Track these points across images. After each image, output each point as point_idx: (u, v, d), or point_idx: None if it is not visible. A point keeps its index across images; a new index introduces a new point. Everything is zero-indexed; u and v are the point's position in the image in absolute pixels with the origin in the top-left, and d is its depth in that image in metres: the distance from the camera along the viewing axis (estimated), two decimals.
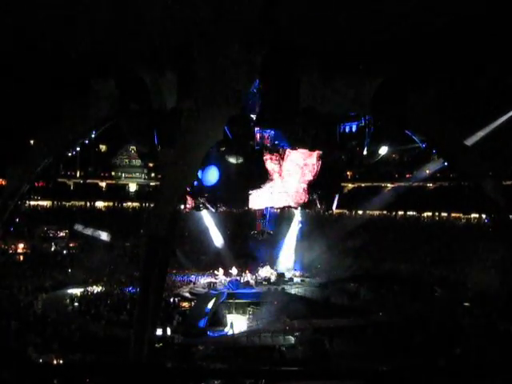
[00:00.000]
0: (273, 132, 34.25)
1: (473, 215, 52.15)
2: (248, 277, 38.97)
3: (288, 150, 32.35)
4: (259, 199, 33.74)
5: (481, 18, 24.17)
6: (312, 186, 33.38)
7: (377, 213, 56.82)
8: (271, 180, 32.66)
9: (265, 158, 31.98)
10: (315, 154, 31.99)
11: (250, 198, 33.74)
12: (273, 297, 33.66)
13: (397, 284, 36.67)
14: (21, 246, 45.88)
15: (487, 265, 36.69)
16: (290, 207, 37.38)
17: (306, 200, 33.73)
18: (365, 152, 31.43)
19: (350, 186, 59.59)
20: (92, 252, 44.56)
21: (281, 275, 40.12)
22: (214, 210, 34.39)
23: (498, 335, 25.28)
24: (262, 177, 32.29)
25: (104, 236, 47.02)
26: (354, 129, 31.20)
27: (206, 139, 25.19)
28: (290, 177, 32.95)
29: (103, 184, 61.81)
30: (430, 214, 56.92)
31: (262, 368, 22.31)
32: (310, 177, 32.70)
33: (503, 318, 27.36)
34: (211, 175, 30.07)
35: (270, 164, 32.47)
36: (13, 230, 32.49)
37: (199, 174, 29.42)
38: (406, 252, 43.56)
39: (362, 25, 24.42)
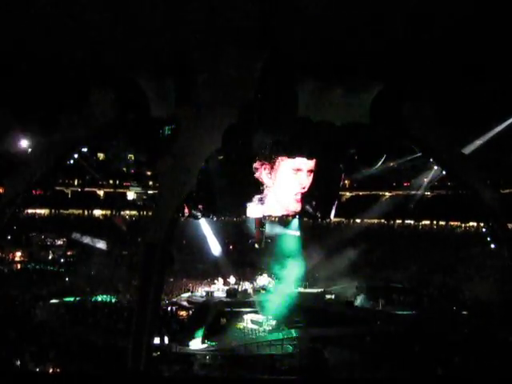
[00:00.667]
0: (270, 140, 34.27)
1: (471, 223, 52.18)
2: (246, 285, 38.94)
3: (280, 159, 32.22)
4: (256, 208, 33.67)
5: (480, 24, 24.23)
6: (308, 196, 33.30)
7: (375, 221, 56.88)
8: (262, 190, 32.46)
9: (255, 166, 31.77)
10: (307, 165, 31.90)
11: (248, 206, 33.72)
12: (271, 305, 33.64)
13: (395, 292, 36.64)
14: (18, 254, 45.78)
15: (485, 273, 36.70)
16: (287, 216, 37.40)
17: (300, 209, 33.59)
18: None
19: (348, 194, 59.67)
20: (89, 260, 44.53)
21: (279, 283, 40.11)
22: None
23: (496, 344, 25.24)
24: (254, 187, 32.15)
25: (101, 244, 46.90)
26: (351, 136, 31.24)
27: (205, 147, 25.22)
28: (281, 186, 32.77)
29: (101, 192, 61.81)
30: (427, 222, 56.97)
31: (259, 377, 22.26)
32: (301, 188, 32.51)
33: (502, 326, 27.34)
34: None
35: (262, 173, 32.34)
36: (10, 238, 32.41)
37: None
38: (404, 260, 43.55)
39: (360, 33, 24.50)
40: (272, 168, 32.16)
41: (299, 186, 32.09)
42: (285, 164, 31.92)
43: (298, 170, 32.13)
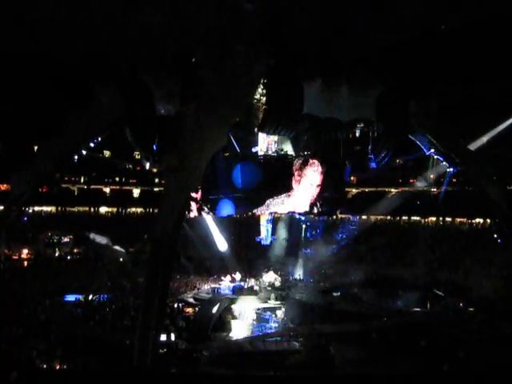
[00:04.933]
0: (276, 138, 34.46)
1: (477, 220, 52.06)
2: (252, 282, 38.95)
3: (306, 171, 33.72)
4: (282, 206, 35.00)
5: (486, 22, 24.15)
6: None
7: (381, 218, 56.80)
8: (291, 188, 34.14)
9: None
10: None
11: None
12: (277, 302, 33.70)
13: (401, 289, 36.55)
14: (25, 251, 45.85)
15: (491, 269, 36.59)
16: (293, 213, 37.68)
17: (309, 207, 34.65)
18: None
19: (354, 190, 59.54)
20: (96, 257, 44.66)
21: (286, 281, 40.18)
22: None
23: (502, 340, 25.20)
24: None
25: (117, 246, 46.63)
26: (357, 134, 31.30)
27: (210, 145, 25.24)
28: (308, 185, 34.15)
29: (107, 189, 61.88)
30: (434, 218, 56.85)
31: (266, 373, 22.29)
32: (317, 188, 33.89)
33: (507, 322, 27.27)
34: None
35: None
36: (17, 235, 32.50)
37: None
38: (410, 257, 43.44)
39: (365, 30, 24.44)
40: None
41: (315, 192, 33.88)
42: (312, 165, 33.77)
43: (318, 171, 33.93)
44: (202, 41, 24.48)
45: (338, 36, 24.47)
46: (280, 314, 31.91)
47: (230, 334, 29.19)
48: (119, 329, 28.02)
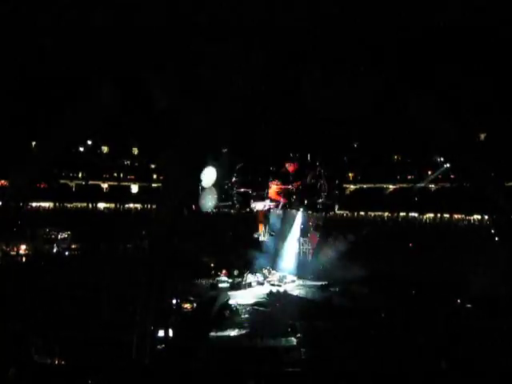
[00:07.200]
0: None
1: (475, 216, 52.04)
2: (250, 278, 38.99)
3: None
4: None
5: (485, 18, 24.10)
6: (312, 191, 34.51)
7: (379, 214, 56.81)
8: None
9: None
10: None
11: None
12: (275, 298, 33.75)
13: (399, 285, 36.59)
14: (23, 247, 45.82)
15: (490, 266, 36.60)
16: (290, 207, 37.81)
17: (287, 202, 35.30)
18: None
19: (352, 187, 59.50)
20: (94, 253, 44.62)
21: (283, 277, 40.22)
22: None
23: (500, 336, 25.24)
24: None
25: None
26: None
27: (208, 140, 25.23)
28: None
29: (105, 185, 61.78)
30: (432, 215, 56.82)
31: (263, 369, 22.31)
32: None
33: (506, 319, 27.31)
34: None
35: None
36: (15, 231, 32.47)
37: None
38: (408, 253, 43.46)
39: (364, 24, 24.40)
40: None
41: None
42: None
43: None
44: (200, 36, 24.44)
45: (337, 29, 24.44)
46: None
47: (228, 330, 29.24)
48: (117, 325, 28.03)
